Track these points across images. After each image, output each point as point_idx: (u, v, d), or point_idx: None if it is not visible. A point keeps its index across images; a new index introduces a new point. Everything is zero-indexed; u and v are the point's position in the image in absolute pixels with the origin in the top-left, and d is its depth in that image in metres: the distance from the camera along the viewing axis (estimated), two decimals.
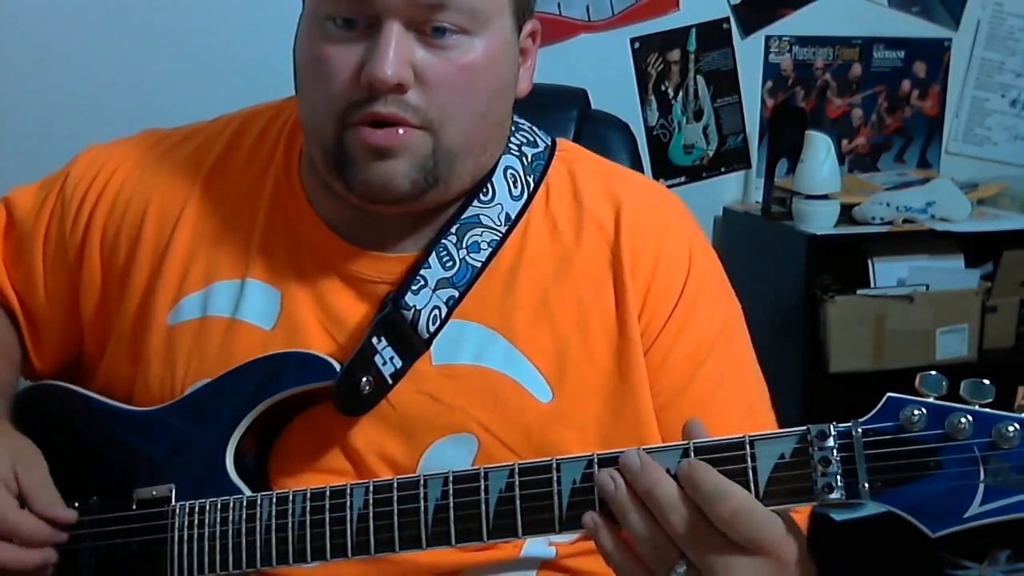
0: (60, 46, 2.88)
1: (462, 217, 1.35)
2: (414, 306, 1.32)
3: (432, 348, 1.33)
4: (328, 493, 1.22)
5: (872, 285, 3.15)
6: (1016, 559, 3.33)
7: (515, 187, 1.38)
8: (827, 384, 3.10)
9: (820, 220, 3.09)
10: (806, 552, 1.10)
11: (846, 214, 3.15)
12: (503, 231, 1.36)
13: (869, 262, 3.17)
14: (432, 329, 1.32)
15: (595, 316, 1.35)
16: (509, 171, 1.38)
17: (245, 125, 1.47)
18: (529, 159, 1.40)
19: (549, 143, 1.44)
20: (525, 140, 1.42)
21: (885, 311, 3.10)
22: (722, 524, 1.06)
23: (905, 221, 3.14)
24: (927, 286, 3.14)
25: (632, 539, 1.10)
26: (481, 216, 1.35)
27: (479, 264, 1.34)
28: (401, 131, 1.25)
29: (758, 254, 3.26)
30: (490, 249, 1.35)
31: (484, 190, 1.36)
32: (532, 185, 1.39)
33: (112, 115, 2.83)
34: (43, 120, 2.87)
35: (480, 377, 1.33)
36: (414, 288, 1.32)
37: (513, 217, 1.37)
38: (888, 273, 3.17)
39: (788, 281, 3.13)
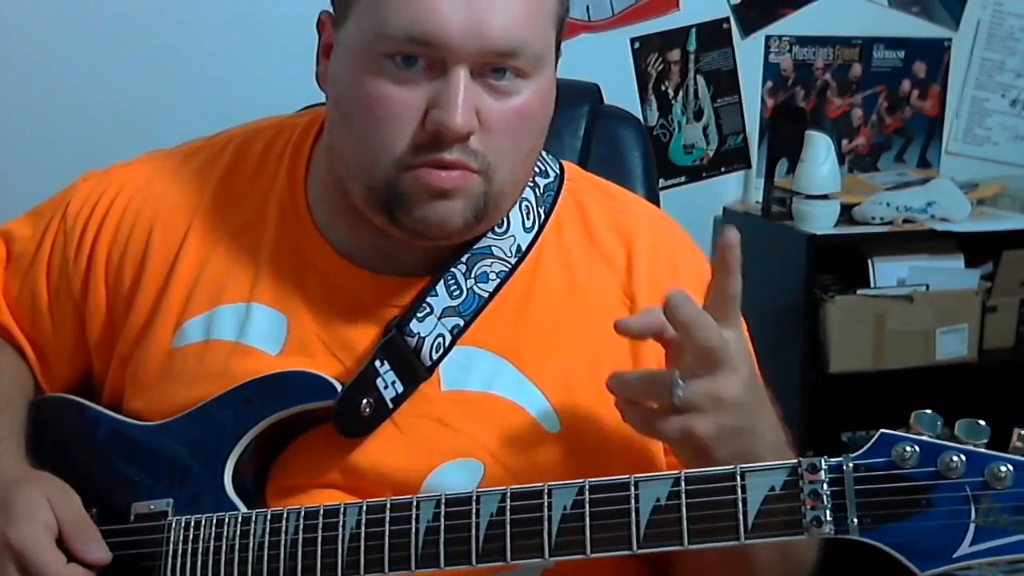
0: (55, 64, 2.89)
1: (475, 247, 1.35)
2: (418, 333, 1.31)
3: (441, 374, 1.33)
4: (322, 512, 1.23)
5: (872, 285, 3.15)
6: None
7: (528, 219, 1.38)
8: (827, 384, 3.09)
9: (820, 220, 3.09)
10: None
11: (846, 214, 3.15)
12: (513, 262, 1.36)
13: (869, 262, 3.17)
14: (435, 357, 1.32)
15: (607, 351, 1.34)
16: (524, 203, 1.38)
17: (245, 144, 1.46)
18: (541, 190, 1.41)
19: (558, 172, 1.44)
20: (538, 170, 1.41)
21: (885, 311, 3.10)
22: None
23: (905, 221, 3.14)
24: (927, 286, 3.14)
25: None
26: (493, 247, 1.35)
27: (486, 294, 1.34)
28: (456, 173, 1.25)
29: (758, 254, 3.23)
30: (498, 280, 1.35)
31: (500, 222, 1.36)
32: (543, 216, 1.39)
33: (107, 132, 2.85)
34: (39, 137, 2.89)
35: (489, 404, 1.33)
36: (419, 315, 1.32)
37: (524, 248, 1.37)
38: (888, 273, 3.17)
39: (788, 281, 3.12)
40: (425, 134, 1.23)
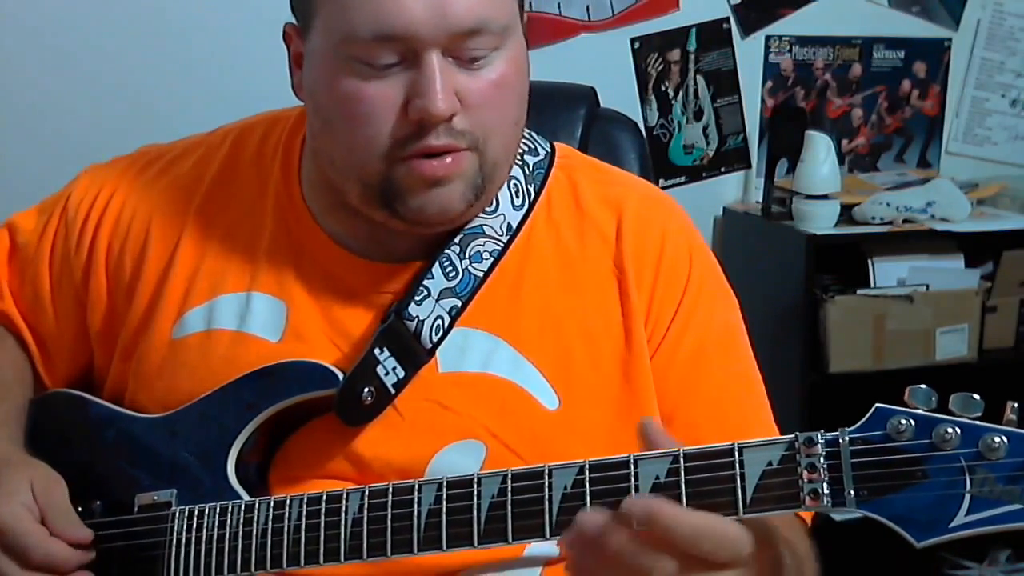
0: (63, 51, 2.90)
1: (467, 228, 1.36)
2: (417, 316, 1.32)
3: (438, 356, 1.34)
4: (324, 498, 1.23)
5: (872, 285, 3.16)
6: (1016, 559, 3.34)
7: (517, 196, 1.38)
8: (827, 384, 3.10)
9: (820, 220, 3.09)
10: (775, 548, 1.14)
11: (846, 214, 3.16)
12: (504, 240, 1.36)
13: (869, 262, 3.17)
14: (435, 339, 1.32)
15: (600, 325, 1.36)
16: (512, 181, 1.38)
17: (242, 138, 1.47)
18: (531, 167, 1.41)
19: (549, 150, 1.45)
20: (527, 148, 1.42)
21: (885, 311, 3.10)
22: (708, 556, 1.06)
23: (905, 221, 3.14)
24: (927, 286, 3.14)
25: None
26: (485, 227, 1.36)
27: (481, 274, 1.35)
28: (449, 159, 1.26)
29: (758, 254, 3.26)
30: (492, 259, 1.35)
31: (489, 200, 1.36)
32: (533, 194, 1.40)
33: (112, 121, 2.87)
34: (46, 126, 2.90)
35: (487, 384, 1.33)
36: (417, 299, 1.33)
37: (515, 226, 1.37)
38: (888, 273, 3.17)
39: (788, 281, 3.13)
40: (409, 124, 1.24)
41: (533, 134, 1.45)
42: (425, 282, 1.34)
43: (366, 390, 1.30)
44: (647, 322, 1.37)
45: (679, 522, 1.04)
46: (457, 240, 1.35)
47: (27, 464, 1.35)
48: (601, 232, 1.39)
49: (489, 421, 1.32)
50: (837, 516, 3.07)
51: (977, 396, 1.04)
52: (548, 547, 1.33)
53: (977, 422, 1.03)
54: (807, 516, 1.39)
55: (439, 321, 1.33)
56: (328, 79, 1.27)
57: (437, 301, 1.33)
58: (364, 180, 1.29)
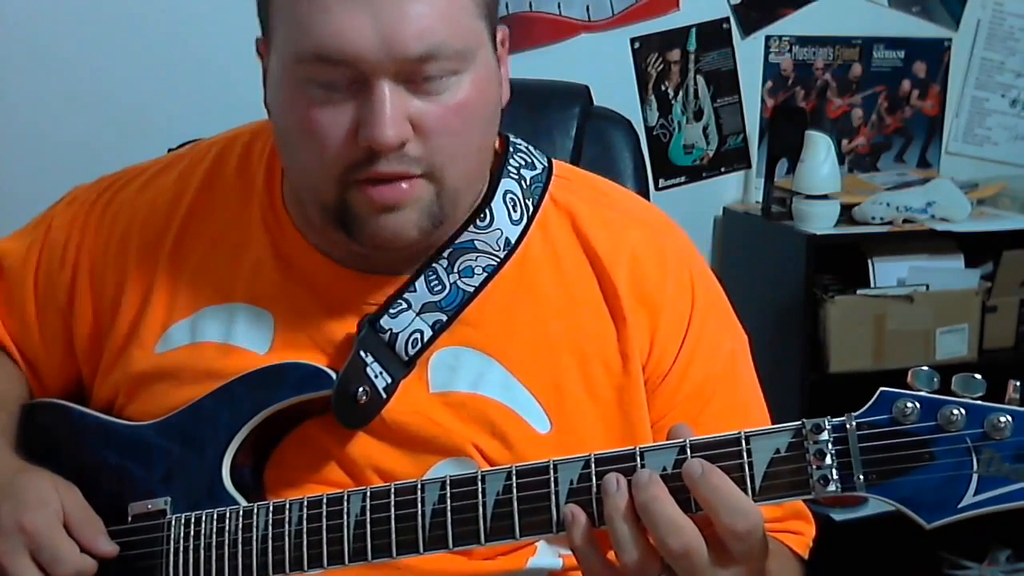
0: (58, 55, 2.89)
1: (456, 242, 1.34)
2: (390, 329, 1.31)
3: (429, 375, 1.32)
4: (325, 501, 1.22)
5: (872, 285, 3.16)
6: (1016, 559, 3.34)
7: (515, 211, 1.36)
8: (827, 384, 3.10)
9: (820, 220, 3.09)
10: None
11: (846, 214, 3.15)
12: (502, 256, 1.34)
13: (869, 262, 3.17)
14: (412, 352, 1.31)
15: (595, 349, 1.34)
16: (509, 195, 1.36)
17: (226, 149, 1.45)
18: (528, 182, 1.38)
19: (546, 164, 1.42)
20: (523, 162, 1.40)
21: (885, 311, 3.11)
22: (732, 537, 1.07)
23: (905, 221, 3.14)
24: (927, 286, 3.14)
25: (614, 545, 1.10)
26: (476, 242, 1.34)
27: (471, 289, 1.33)
28: (405, 184, 1.23)
29: (758, 254, 3.26)
30: (485, 274, 1.33)
31: (481, 215, 1.34)
32: (532, 208, 1.37)
33: (108, 125, 2.87)
34: (41, 129, 2.89)
35: (477, 405, 1.32)
36: (392, 312, 1.31)
37: (513, 242, 1.35)
38: (888, 273, 3.17)
39: (788, 281, 3.13)
40: (359, 150, 1.21)
41: (530, 147, 1.43)
42: (406, 295, 1.32)
43: (360, 389, 1.28)
44: (650, 356, 1.35)
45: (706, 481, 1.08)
46: (445, 255, 1.33)
47: (41, 470, 1.34)
48: (597, 256, 1.37)
49: (479, 442, 1.30)
50: (837, 516, 3.07)
51: (978, 376, 1.05)
52: (551, 559, 1.34)
53: (981, 402, 1.04)
54: (802, 550, 1.40)
55: (417, 335, 1.31)
56: (283, 100, 1.26)
57: (418, 315, 1.32)
58: (322, 202, 1.27)
